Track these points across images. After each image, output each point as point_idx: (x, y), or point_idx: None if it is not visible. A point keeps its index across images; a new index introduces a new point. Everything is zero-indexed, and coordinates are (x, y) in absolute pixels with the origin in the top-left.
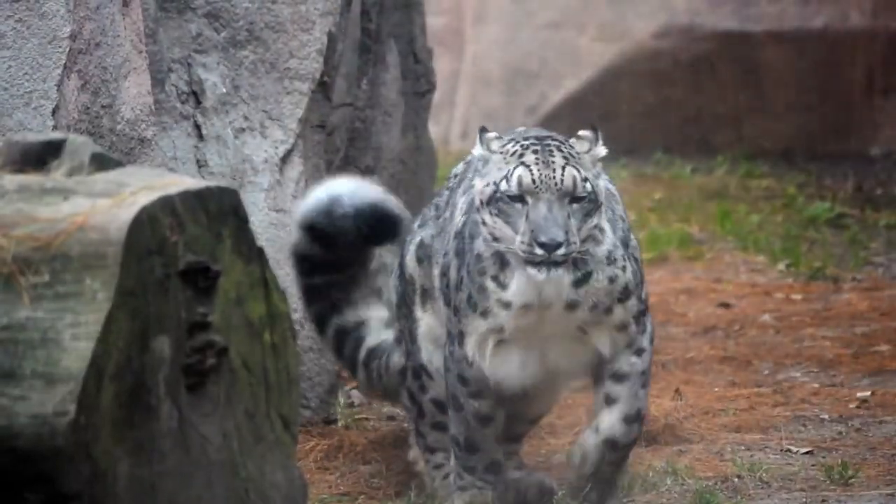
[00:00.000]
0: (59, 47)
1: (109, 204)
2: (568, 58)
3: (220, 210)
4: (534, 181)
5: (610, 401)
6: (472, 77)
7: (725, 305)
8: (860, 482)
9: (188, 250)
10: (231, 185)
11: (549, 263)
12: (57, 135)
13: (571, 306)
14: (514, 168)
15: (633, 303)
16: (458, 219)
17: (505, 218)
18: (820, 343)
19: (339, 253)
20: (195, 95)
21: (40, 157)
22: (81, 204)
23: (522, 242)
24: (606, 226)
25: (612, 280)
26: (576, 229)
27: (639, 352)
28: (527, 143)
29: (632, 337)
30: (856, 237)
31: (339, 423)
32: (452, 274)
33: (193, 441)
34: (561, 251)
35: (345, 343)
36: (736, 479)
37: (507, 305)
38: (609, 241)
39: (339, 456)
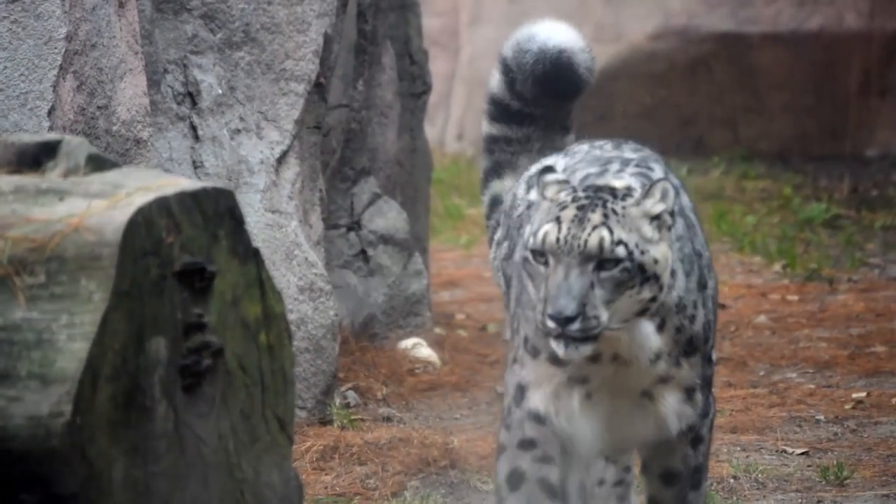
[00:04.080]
0: (55, 48)
1: (105, 205)
2: None
3: (216, 211)
4: (558, 240)
5: None
6: (467, 78)
7: (721, 306)
8: (855, 483)
9: (184, 251)
10: (227, 186)
11: (568, 338)
12: (53, 136)
13: (656, 357)
14: (547, 223)
15: (697, 361)
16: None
17: (533, 282)
18: (815, 344)
19: (522, 99)
20: (191, 96)
21: (36, 157)
22: (77, 205)
23: (539, 313)
24: (678, 266)
25: (678, 330)
26: (601, 302)
27: (696, 441)
28: (578, 194)
29: (695, 415)
30: (851, 238)
31: (335, 424)
32: (511, 311)
33: (189, 442)
34: (575, 326)
35: (494, 211)
36: (732, 480)
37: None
38: (680, 286)
39: (334, 457)
